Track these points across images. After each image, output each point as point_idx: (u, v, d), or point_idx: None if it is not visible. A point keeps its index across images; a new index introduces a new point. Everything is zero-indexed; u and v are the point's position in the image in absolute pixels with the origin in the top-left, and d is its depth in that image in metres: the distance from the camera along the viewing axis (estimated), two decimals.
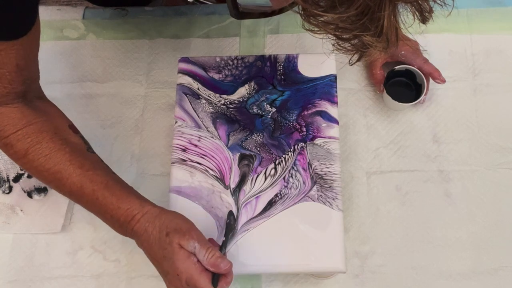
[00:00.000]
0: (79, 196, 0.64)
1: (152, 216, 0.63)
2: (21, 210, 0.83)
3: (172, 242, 0.60)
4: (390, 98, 0.83)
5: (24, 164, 0.65)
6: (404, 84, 0.87)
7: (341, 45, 0.50)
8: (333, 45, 0.51)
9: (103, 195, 0.63)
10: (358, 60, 0.52)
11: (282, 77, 0.81)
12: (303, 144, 0.76)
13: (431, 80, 0.85)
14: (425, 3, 0.46)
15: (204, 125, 0.78)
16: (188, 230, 0.62)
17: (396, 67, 0.85)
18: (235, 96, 0.80)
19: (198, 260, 0.61)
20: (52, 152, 0.63)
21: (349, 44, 0.49)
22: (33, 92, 0.66)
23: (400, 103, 0.83)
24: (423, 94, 0.83)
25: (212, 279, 0.61)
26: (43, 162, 0.63)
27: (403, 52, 0.84)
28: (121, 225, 0.64)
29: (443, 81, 0.83)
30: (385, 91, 0.84)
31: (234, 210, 0.73)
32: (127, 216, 0.63)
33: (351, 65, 0.55)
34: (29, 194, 0.84)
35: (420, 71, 0.84)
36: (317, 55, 0.82)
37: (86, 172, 0.64)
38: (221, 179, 0.75)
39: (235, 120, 0.79)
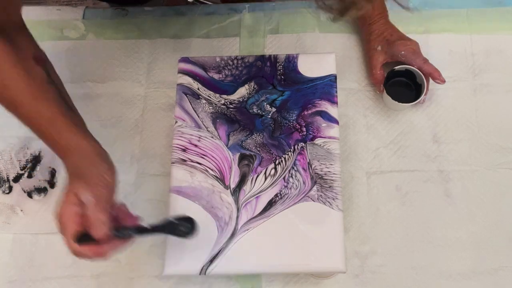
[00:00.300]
0: (29, 124, 0.65)
1: (70, 170, 0.63)
2: (21, 210, 0.83)
3: (69, 188, 0.61)
4: (390, 98, 0.83)
5: None
6: (404, 84, 0.87)
7: (325, 2, 0.50)
8: (316, 2, 0.51)
9: (45, 129, 0.64)
10: (341, 16, 0.52)
11: (282, 77, 0.81)
12: (303, 144, 0.76)
13: (431, 81, 0.85)
14: None
15: (204, 125, 0.78)
16: (93, 184, 0.61)
17: (396, 67, 0.85)
18: (235, 96, 0.80)
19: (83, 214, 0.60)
20: (10, 81, 0.63)
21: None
22: (13, 25, 0.66)
23: (400, 103, 0.83)
24: (423, 94, 0.83)
25: (81, 237, 0.59)
26: (1, 91, 0.63)
27: (403, 52, 0.84)
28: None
29: (443, 81, 0.83)
30: (385, 91, 0.84)
31: (234, 210, 0.73)
32: (62, 153, 0.64)
33: (334, 21, 0.54)
34: (29, 194, 0.84)
35: (420, 71, 0.83)
36: (317, 55, 0.82)
37: (35, 102, 0.64)
38: (221, 179, 0.75)
39: (235, 120, 0.79)
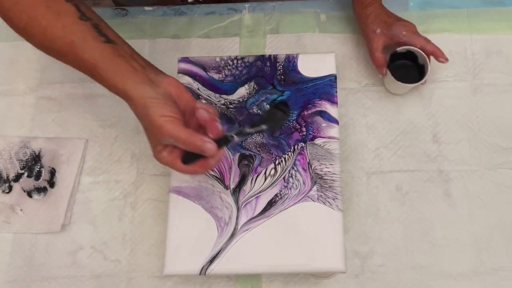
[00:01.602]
0: (85, 73, 0.64)
1: (134, 106, 0.62)
2: (21, 210, 0.83)
3: (149, 136, 0.63)
4: (394, 79, 0.83)
5: (26, 38, 0.64)
6: (406, 66, 0.87)
7: None
8: None
9: (97, 76, 0.62)
10: None
11: (282, 77, 0.81)
12: (303, 144, 0.76)
13: (430, 78, 0.84)
14: None
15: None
16: (161, 130, 0.60)
17: (398, 49, 0.84)
18: (235, 96, 0.80)
19: (169, 153, 0.62)
20: (47, 29, 0.62)
21: None
22: None
23: (404, 84, 0.83)
24: (427, 74, 0.83)
25: (185, 156, 0.61)
26: (41, 40, 0.62)
27: (404, 32, 0.84)
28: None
29: (446, 59, 0.83)
30: (388, 73, 0.84)
31: (234, 210, 0.73)
32: (119, 94, 0.62)
33: None
34: (29, 194, 0.84)
35: (423, 50, 0.83)
36: (317, 55, 0.82)
37: (75, 49, 0.62)
38: (221, 179, 0.75)
39: (235, 120, 0.79)
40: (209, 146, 0.61)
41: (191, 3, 0.99)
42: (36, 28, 0.62)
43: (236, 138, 0.64)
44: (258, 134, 0.77)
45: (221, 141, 0.63)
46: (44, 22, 0.62)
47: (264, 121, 0.64)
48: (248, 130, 0.65)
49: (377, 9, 0.86)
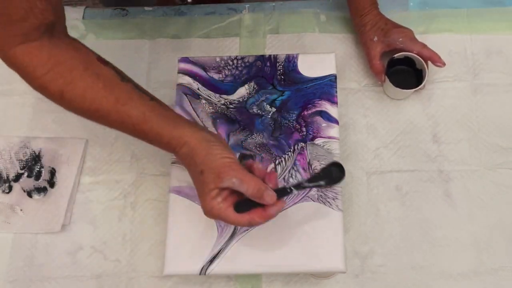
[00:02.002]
0: (124, 130, 0.64)
1: (188, 154, 0.62)
2: (21, 210, 0.83)
3: (206, 179, 0.60)
4: (393, 86, 0.83)
5: (63, 104, 0.64)
6: (404, 71, 0.87)
7: None
8: None
9: (143, 131, 0.63)
10: None
11: (282, 77, 0.81)
12: (303, 144, 0.76)
13: (429, 78, 0.84)
14: None
15: (204, 125, 0.78)
16: (224, 167, 0.60)
17: (395, 55, 0.85)
18: (235, 96, 0.80)
19: (224, 199, 0.60)
20: (86, 91, 0.62)
21: None
22: (60, 25, 0.64)
23: (404, 90, 0.84)
24: (425, 79, 0.83)
25: (238, 205, 0.60)
26: (80, 102, 0.62)
27: (400, 39, 0.84)
28: (171, 151, 0.64)
29: (443, 64, 0.84)
30: (387, 80, 0.84)
31: None
32: (170, 148, 0.63)
33: None
34: (29, 194, 0.84)
35: (420, 56, 0.84)
36: (317, 55, 0.82)
37: (122, 107, 0.62)
38: None
39: (235, 120, 0.79)
40: (271, 192, 0.61)
41: (191, 3, 0.99)
42: (74, 91, 0.62)
43: (294, 191, 0.64)
44: (258, 134, 0.78)
45: (279, 193, 0.63)
46: (83, 84, 0.62)
47: (322, 178, 0.66)
48: (306, 184, 0.65)
49: (374, 17, 0.87)
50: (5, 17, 0.58)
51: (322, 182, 0.65)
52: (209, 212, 0.61)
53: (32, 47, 0.61)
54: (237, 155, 0.76)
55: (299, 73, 0.81)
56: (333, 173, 0.65)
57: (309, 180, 0.65)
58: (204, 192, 0.60)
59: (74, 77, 0.62)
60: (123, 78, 0.65)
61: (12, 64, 0.62)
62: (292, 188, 0.64)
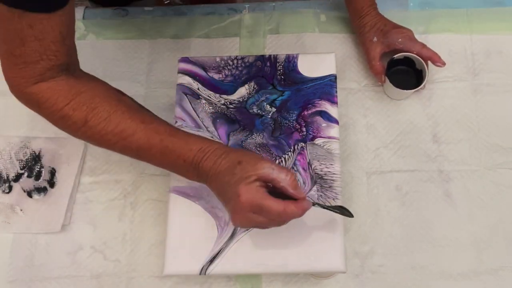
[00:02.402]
0: (148, 149, 0.64)
1: (222, 151, 0.63)
2: (21, 210, 0.83)
3: (244, 168, 0.60)
4: (393, 86, 0.83)
5: (85, 132, 0.65)
6: (404, 72, 0.87)
7: None
8: None
9: (171, 142, 0.64)
10: None
11: (282, 77, 0.81)
12: (303, 144, 0.76)
13: (429, 78, 0.84)
14: None
15: (204, 125, 0.78)
16: (262, 158, 0.62)
17: (395, 56, 0.85)
18: (235, 96, 0.80)
19: (264, 186, 0.60)
20: (111, 113, 0.63)
21: None
22: (75, 64, 0.67)
23: (404, 91, 0.84)
24: (425, 79, 0.84)
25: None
26: (104, 126, 0.63)
27: (400, 39, 0.84)
28: (195, 166, 0.63)
29: (443, 63, 0.84)
30: (387, 80, 0.84)
31: None
32: (200, 155, 0.63)
33: None
34: (29, 194, 0.84)
35: (420, 56, 0.84)
36: (317, 55, 0.82)
37: (149, 125, 0.64)
38: None
39: (235, 120, 0.79)
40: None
41: (178, 4, 0.99)
42: (99, 114, 0.63)
43: (316, 206, 0.65)
44: (258, 134, 0.78)
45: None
46: (107, 108, 0.63)
47: (336, 209, 0.68)
48: (325, 205, 0.67)
49: (373, 18, 0.87)
50: (21, 58, 0.60)
51: (337, 211, 0.67)
52: (246, 197, 0.59)
53: (50, 83, 0.63)
54: None
55: (299, 73, 0.81)
56: (344, 212, 0.68)
57: (327, 207, 0.67)
58: (242, 179, 0.60)
59: (98, 103, 0.64)
60: (141, 106, 0.69)
61: (29, 100, 0.64)
62: (314, 202, 0.65)
